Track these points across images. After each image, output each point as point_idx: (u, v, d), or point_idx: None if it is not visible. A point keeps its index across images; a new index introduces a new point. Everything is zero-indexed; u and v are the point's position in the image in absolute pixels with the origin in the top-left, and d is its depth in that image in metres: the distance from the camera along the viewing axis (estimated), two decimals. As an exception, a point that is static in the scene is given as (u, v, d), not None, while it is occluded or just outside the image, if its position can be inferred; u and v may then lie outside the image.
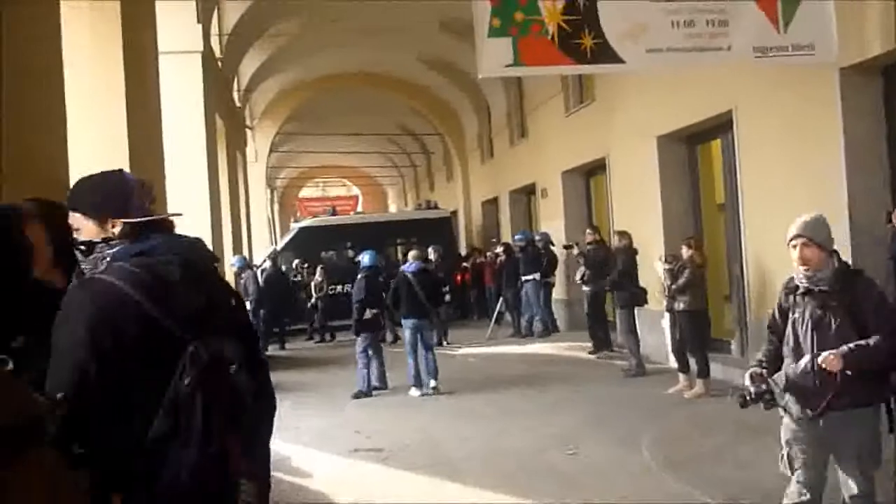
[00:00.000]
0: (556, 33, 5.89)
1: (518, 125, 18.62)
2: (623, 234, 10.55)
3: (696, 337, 8.75)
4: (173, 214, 2.34)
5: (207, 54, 11.60)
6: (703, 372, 8.69)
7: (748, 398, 3.63)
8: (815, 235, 3.74)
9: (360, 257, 11.01)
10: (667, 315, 9.26)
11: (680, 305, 8.74)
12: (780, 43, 6.19)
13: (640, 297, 10.23)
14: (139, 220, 2.17)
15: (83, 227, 2.19)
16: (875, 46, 6.60)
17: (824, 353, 3.52)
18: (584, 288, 11.63)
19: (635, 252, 10.36)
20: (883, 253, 7.04)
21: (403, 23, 15.62)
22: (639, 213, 11.29)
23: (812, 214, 3.91)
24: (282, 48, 17.25)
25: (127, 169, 6.09)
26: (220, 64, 13.50)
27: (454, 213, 22.90)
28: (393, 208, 38.69)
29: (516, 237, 14.88)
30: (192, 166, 10.67)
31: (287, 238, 19.24)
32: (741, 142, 8.94)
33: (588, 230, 11.99)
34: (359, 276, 10.41)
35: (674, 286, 8.73)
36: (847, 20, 6.39)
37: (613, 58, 6.05)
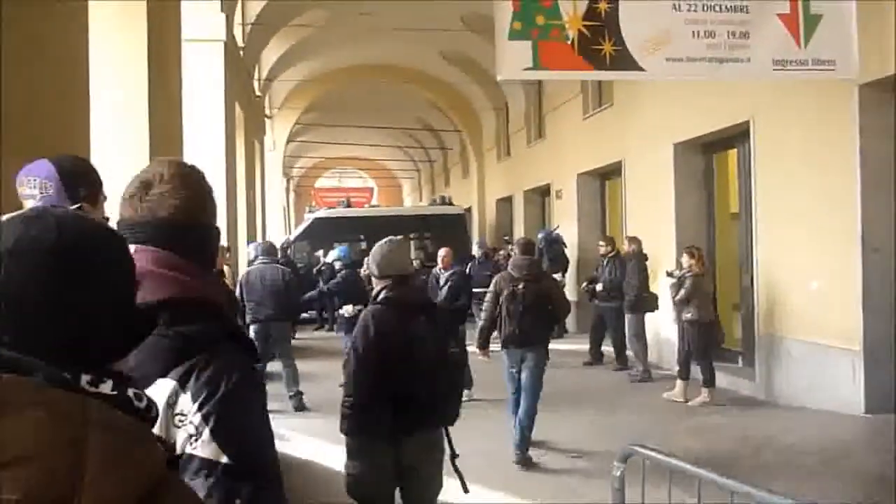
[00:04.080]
0: (577, 38, 5.91)
1: (536, 125, 18.64)
2: (633, 240, 10.56)
3: (703, 347, 8.71)
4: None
5: (230, 43, 11.69)
6: (709, 381, 8.69)
7: None
8: None
9: (330, 255, 10.55)
10: (674, 325, 9.28)
11: (686, 315, 8.71)
12: (801, 57, 6.19)
13: (649, 302, 10.24)
14: None
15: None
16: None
17: None
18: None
19: (645, 258, 10.37)
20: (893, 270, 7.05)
21: (427, 18, 15.66)
22: (652, 218, 11.29)
23: None
24: (304, 39, 17.33)
25: (146, 155, 6.17)
26: (241, 53, 13.59)
27: (468, 210, 22.94)
28: (408, 202, 38.77)
29: (539, 235, 14.54)
30: (211, 153, 10.75)
31: (301, 228, 19.35)
32: (757, 152, 8.94)
33: (601, 241, 11.73)
34: (339, 273, 10.27)
35: (677, 297, 8.74)
36: (868, 37, 6.38)
37: (633, 65, 6.06)
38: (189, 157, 8.25)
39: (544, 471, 6.33)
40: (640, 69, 6.15)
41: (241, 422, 1.26)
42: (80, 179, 2.20)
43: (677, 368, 9.02)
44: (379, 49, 19.91)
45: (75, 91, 4.41)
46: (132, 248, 1.30)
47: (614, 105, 13.24)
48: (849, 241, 7.24)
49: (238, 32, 13.35)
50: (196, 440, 1.23)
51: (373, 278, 3.93)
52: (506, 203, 21.54)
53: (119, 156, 5.71)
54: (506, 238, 19.01)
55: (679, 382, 8.89)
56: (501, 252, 15.86)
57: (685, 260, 8.88)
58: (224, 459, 1.22)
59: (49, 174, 2.14)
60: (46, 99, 3.84)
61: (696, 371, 8.86)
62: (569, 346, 12.17)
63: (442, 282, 9.33)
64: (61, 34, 4.18)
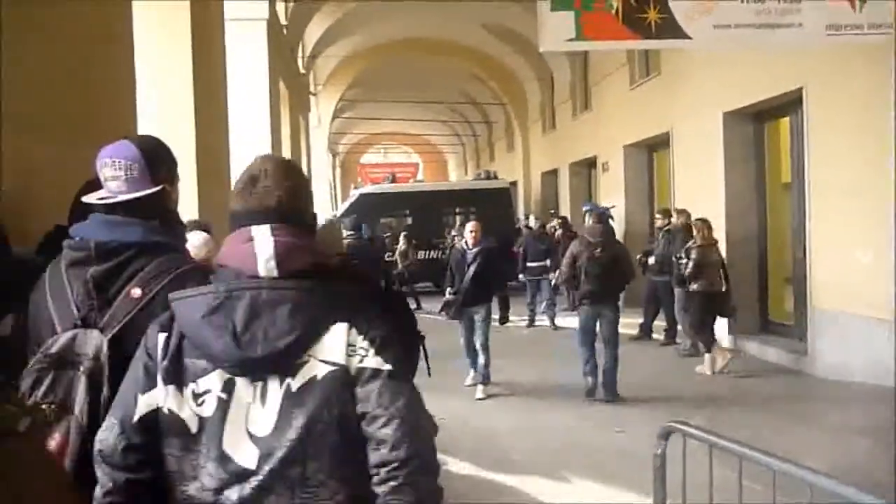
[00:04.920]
0: (621, 7, 5.81)
1: (582, 97, 18.37)
2: (681, 213, 10.38)
3: (705, 317, 8.95)
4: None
5: (273, 21, 11.74)
6: (708, 346, 8.84)
7: None
8: None
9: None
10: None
11: (693, 286, 8.92)
12: (855, 21, 5.98)
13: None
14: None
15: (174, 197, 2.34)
16: (958, 26, 6.31)
17: None
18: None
19: (692, 230, 10.18)
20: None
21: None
22: (701, 190, 11.07)
23: None
24: (347, 14, 17.32)
25: (192, 136, 6.25)
26: (284, 31, 13.64)
27: (514, 184, 22.80)
28: (453, 177, 38.70)
29: (584, 207, 14.29)
30: (256, 131, 10.87)
31: (347, 203, 19.48)
32: (811, 121, 8.67)
33: (658, 214, 11.50)
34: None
35: (687, 271, 8.94)
36: (929, -2, 6.11)
37: (679, 33, 5.94)
38: (234, 136, 8.37)
39: (588, 447, 6.32)
40: (687, 37, 6.02)
41: (393, 342, 1.70)
42: (161, 160, 2.22)
43: (728, 344, 8.87)
44: (421, 23, 19.79)
45: (120, 74, 4.48)
46: (264, 228, 1.69)
47: (661, 74, 12.97)
48: (905, 211, 7.00)
49: (281, 10, 13.40)
50: (364, 359, 1.64)
51: None
52: (551, 176, 21.35)
53: (164, 137, 5.79)
54: (552, 211, 18.87)
55: (706, 356, 8.90)
56: (550, 225, 15.70)
57: (694, 233, 9.14)
58: (387, 367, 1.64)
59: (133, 156, 2.14)
60: (92, 82, 3.91)
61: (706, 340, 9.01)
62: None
63: (469, 259, 8.36)
64: (105, 17, 4.23)
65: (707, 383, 8.45)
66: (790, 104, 9.28)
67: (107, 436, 1.68)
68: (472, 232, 8.70)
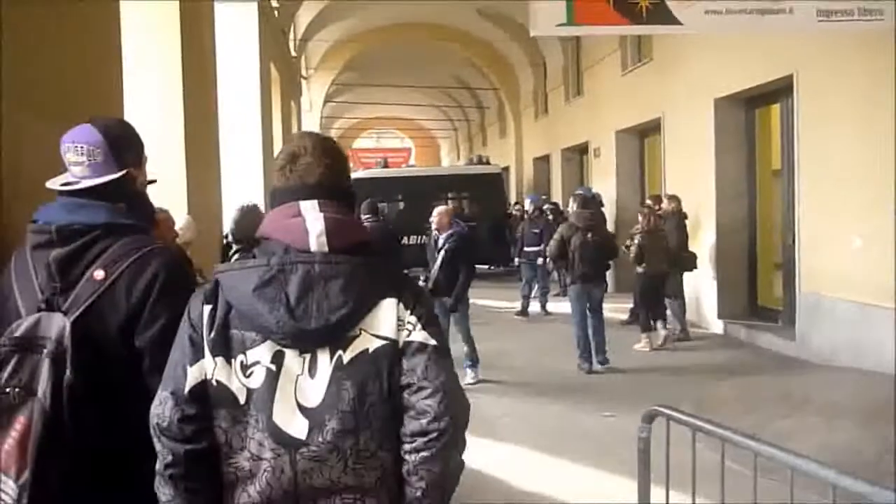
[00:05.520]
0: (612, -8, 5.79)
1: (574, 82, 18.35)
2: (672, 198, 10.41)
3: (650, 297, 9.61)
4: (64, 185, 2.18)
5: (264, 4, 11.66)
6: (646, 327, 9.45)
7: None
8: None
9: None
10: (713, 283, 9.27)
11: (638, 269, 9.52)
12: (846, 7, 5.99)
13: (688, 261, 10.12)
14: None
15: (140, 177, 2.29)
16: (948, 12, 6.32)
17: None
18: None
19: (685, 216, 10.22)
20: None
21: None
22: (692, 176, 11.10)
23: None
24: (339, -3, 17.22)
25: (180, 117, 6.20)
26: (276, 13, 13.55)
27: (506, 169, 22.78)
28: (445, 162, 38.63)
29: (577, 191, 14.26)
30: (247, 115, 10.81)
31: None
32: (801, 107, 8.69)
33: (649, 200, 11.52)
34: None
35: (631, 255, 9.51)
36: (919, -16, 6.11)
37: (670, 19, 5.93)
38: (225, 119, 8.32)
39: (578, 430, 6.37)
40: (678, 23, 6.02)
41: (436, 319, 1.80)
42: (125, 144, 2.19)
43: (718, 329, 8.93)
44: (414, 7, 19.68)
45: (108, 55, 4.45)
46: (311, 203, 1.74)
47: (653, 60, 12.96)
48: (893, 198, 7.03)
49: (272, -8, 13.30)
50: (412, 333, 1.71)
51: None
52: (543, 162, 21.34)
53: (154, 119, 5.77)
54: (543, 196, 18.87)
55: (660, 332, 9.55)
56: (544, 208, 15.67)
57: (639, 218, 9.71)
58: (433, 342, 1.72)
59: (96, 141, 2.11)
60: (80, 64, 3.88)
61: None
62: (608, 304, 12.09)
63: (439, 245, 7.95)
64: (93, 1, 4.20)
65: (698, 368, 8.51)
66: (781, 91, 9.29)
67: (162, 409, 1.69)
68: (437, 216, 8.18)
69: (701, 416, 2.93)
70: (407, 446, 1.67)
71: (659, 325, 9.60)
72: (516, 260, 13.76)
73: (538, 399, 7.40)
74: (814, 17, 6.08)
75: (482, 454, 5.53)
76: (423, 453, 1.65)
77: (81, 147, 2.11)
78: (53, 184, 2.14)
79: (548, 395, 7.52)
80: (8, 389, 1.92)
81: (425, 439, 1.65)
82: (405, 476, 1.68)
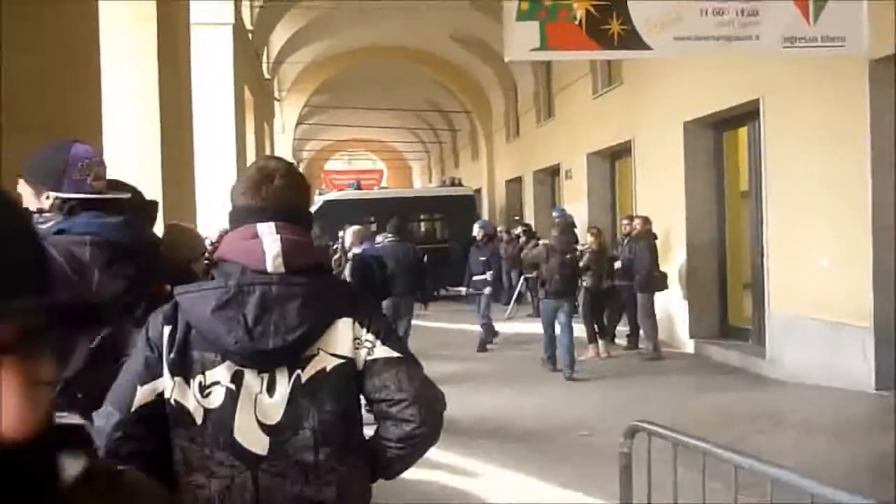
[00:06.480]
0: (585, 18, 5.90)
1: (545, 105, 18.56)
2: (645, 220, 10.56)
3: (593, 309, 10.38)
4: (116, 196, 2.21)
5: (238, 26, 11.69)
6: (592, 338, 10.22)
7: None
8: None
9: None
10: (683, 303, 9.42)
11: (583, 284, 10.26)
12: (810, 34, 6.15)
13: (660, 281, 10.25)
14: (70, 195, 2.09)
15: (23, 194, 2.13)
16: (907, 39, 6.54)
17: None
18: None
19: (655, 237, 10.37)
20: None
21: (436, -1, 15.60)
22: (663, 197, 11.28)
23: None
24: (313, 20, 17.30)
25: (157, 138, 6.20)
26: (250, 36, 13.59)
27: (478, 191, 22.92)
28: (417, 184, 38.71)
29: (555, 213, 13.95)
30: (221, 137, 10.80)
31: (311, 210, 19.37)
32: (767, 130, 8.90)
33: (624, 220, 11.63)
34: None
35: (580, 267, 10.14)
36: (878, 12, 6.32)
37: (640, 44, 6.05)
38: (199, 140, 8.31)
39: (555, 449, 6.39)
40: (648, 48, 6.14)
41: (393, 330, 1.88)
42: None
43: (690, 348, 9.05)
44: (387, 30, 19.83)
45: (87, 77, 4.45)
46: (268, 225, 1.76)
47: (624, 84, 13.18)
48: (859, 219, 7.22)
49: (247, 15, 13.35)
50: (373, 350, 1.77)
51: None
52: (515, 184, 21.51)
53: (131, 139, 5.76)
54: (516, 218, 19.03)
55: (590, 346, 10.20)
56: (507, 234, 15.79)
57: (588, 238, 10.66)
58: (396, 354, 1.78)
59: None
60: (58, 85, 3.88)
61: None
62: (579, 325, 12.18)
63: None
64: (72, 19, 4.21)
65: (671, 386, 8.59)
66: (748, 114, 9.51)
67: (102, 424, 1.70)
68: (350, 236, 8.39)
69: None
70: (392, 446, 1.78)
71: (601, 340, 10.39)
72: (463, 290, 13.04)
73: (511, 417, 7.42)
74: (779, 43, 6.25)
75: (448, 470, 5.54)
76: (407, 450, 1.79)
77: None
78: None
79: (525, 410, 7.54)
80: None
81: (410, 442, 1.78)
82: (380, 456, 1.80)
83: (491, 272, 11.68)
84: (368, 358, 1.76)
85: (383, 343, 1.78)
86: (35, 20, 3.59)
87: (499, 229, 17.61)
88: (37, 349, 0.54)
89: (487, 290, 11.54)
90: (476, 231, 12.56)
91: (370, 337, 1.77)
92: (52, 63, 3.80)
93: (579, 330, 9.84)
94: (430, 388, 1.81)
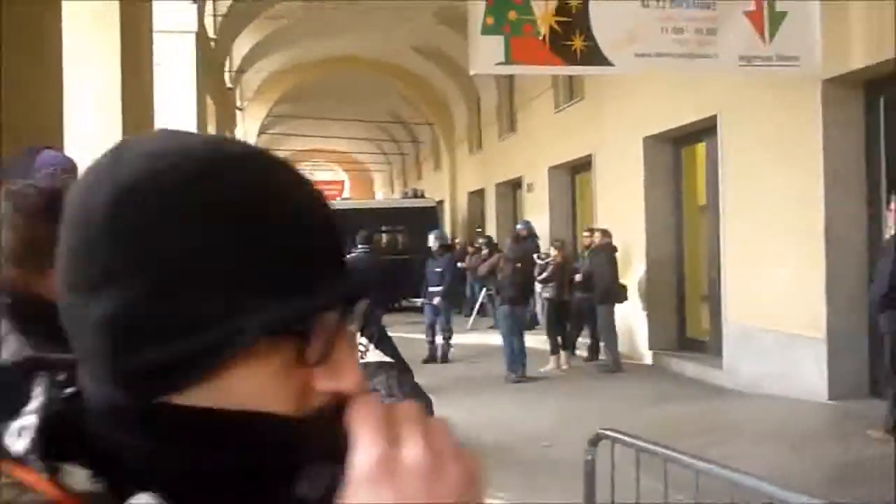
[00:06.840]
0: (548, 34, 6.01)
1: (508, 119, 18.72)
2: (605, 233, 10.70)
3: (554, 320, 10.70)
4: None
5: (201, 34, 11.61)
6: (554, 349, 10.45)
7: None
8: None
9: None
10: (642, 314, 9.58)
11: (545, 294, 10.89)
12: (766, 53, 6.35)
13: (620, 294, 10.39)
14: None
15: None
16: (858, 59, 6.77)
17: None
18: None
19: (615, 250, 10.51)
20: (857, 266, 7.22)
21: (400, 11, 15.66)
22: (622, 211, 11.44)
23: None
24: (276, 30, 17.24)
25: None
26: (213, 44, 13.49)
27: (440, 202, 22.99)
28: (380, 195, 38.67)
29: (518, 226, 14.13)
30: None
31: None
32: (724, 146, 9.11)
33: (586, 233, 11.78)
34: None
35: (540, 278, 10.75)
36: (832, 33, 6.54)
37: (602, 60, 6.18)
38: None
39: (516, 460, 6.43)
40: (610, 64, 6.27)
41: (388, 338, 1.98)
42: None
43: (649, 360, 9.19)
44: (351, 42, 19.84)
45: (49, 84, 4.40)
46: None
47: (585, 99, 13.37)
48: (813, 233, 7.43)
49: (209, 23, 13.26)
50: (366, 354, 1.79)
51: None
52: (478, 196, 21.63)
53: (93, 148, 5.68)
54: (478, 230, 19.14)
55: (561, 355, 10.46)
56: (471, 246, 15.90)
57: (551, 251, 11.09)
58: (387, 359, 1.82)
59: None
60: (19, 92, 3.83)
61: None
62: (540, 336, 12.30)
63: None
64: (35, 27, 4.16)
65: (630, 398, 8.70)
66: (706, 130, 9.72)
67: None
68: None
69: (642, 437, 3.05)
70: None
71: (563, 351, 10.60)
72: (419, 301, 12.85)
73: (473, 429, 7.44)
74: (736, 62, 6.44)
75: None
76: None
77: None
78: None
79: (485, 422, 7.57)
80: None
81: None
82: None
83: (444, 286, 11.50)
84: (360, 361, 1.77)
85: (376, 347, 1.83)
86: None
87: (457, 241, 17.70)
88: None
89: (436, 300, 11.41)
90: (431, 242, 12.27)
91: (362, 341, 1.80)
92: (12, 73, 3.75)
93: (534, 341, 10.05)
94: (419, 394, 1.86)
